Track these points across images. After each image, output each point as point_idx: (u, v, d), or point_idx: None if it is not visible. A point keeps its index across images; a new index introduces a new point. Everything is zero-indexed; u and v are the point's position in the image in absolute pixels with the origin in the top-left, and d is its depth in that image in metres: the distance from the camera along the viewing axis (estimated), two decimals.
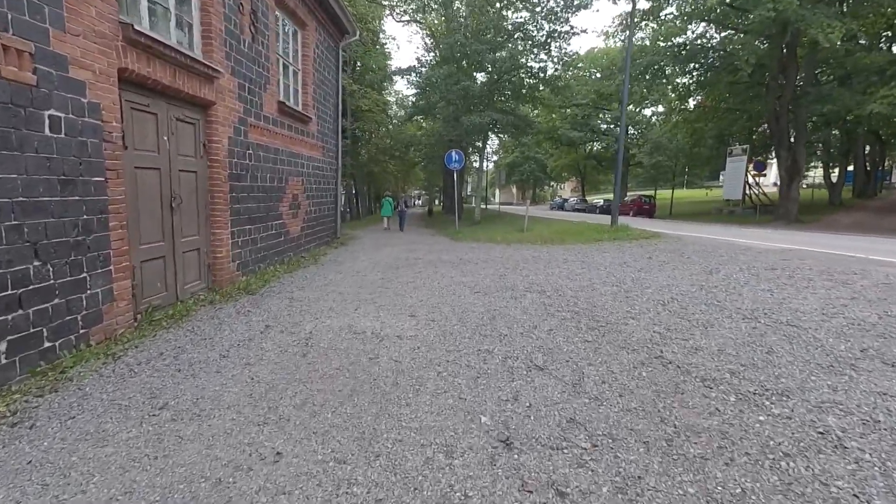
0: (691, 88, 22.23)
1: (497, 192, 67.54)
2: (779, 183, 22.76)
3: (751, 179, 29.55)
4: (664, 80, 20.19)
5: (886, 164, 36.83)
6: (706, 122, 26.43)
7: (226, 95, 6.34)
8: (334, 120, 11.61)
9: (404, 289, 6.15)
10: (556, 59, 17.37)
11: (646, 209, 30.09)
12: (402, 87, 62.99)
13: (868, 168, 32.44)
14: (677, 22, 17.06)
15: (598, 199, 38.75)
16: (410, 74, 18.92)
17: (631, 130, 36.93)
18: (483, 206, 42.18)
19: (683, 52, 17.78)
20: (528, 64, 18.35)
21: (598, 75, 37.78)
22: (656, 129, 32.19)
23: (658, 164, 31.07)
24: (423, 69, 19.33)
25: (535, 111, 35.70)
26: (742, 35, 15.26)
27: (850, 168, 31.74)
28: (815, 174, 34.96)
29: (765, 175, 27.52)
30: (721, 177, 52.97)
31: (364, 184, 40.71)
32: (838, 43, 13.24)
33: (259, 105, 7.37)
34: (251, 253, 7.27)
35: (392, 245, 11.98)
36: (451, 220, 25.61)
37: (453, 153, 14.57)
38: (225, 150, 6.38)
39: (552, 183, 63.28)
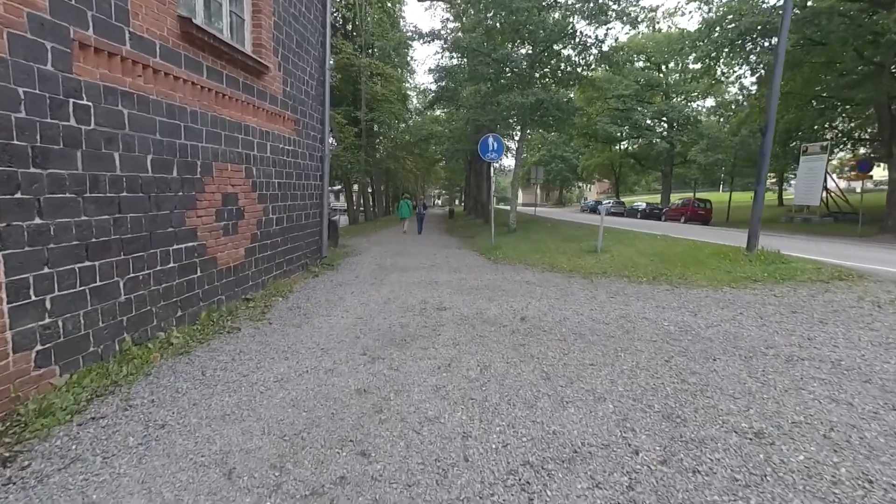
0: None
1: (520, 192, 62.80)
2: (889, 187, 18.02)
3: (830, 183, 24.74)
4: (767, 54, 15.41)
5: None
6: (783, 113, 21.75)
7: None
8: (319, 84, 7.66)
9: (415, 475, 2.14)
10: (624, 18, 13.00)
11: (700, 215, 25.50)
12: (423, 77, 58.88)
13: None
14: None
15: (638, 202, 33.97)
16: (432, 40, 14.82)
17: (673, 126, 32.16)
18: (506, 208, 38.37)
19: (802, 11, 13.11)
20: (583, 31, 14.10)
21: (641, 64, 33.12)
22: (712, 124, 27.52)
23: (716, 164, 26.33)
24: (448, 31, 15.25)
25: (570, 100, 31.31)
26: None
27: None
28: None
29: (871, 177, 22.73)
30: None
31: (382, 182, 36.84)
32: None
33: (119, 13, 3.45)
34: (100, 317, 3.36)
35: (402, 269, 7.98)
36: (476, 224, 21.55)
37: (490, 139, 10.46)
38: None
39: (580, 184, 58.51)
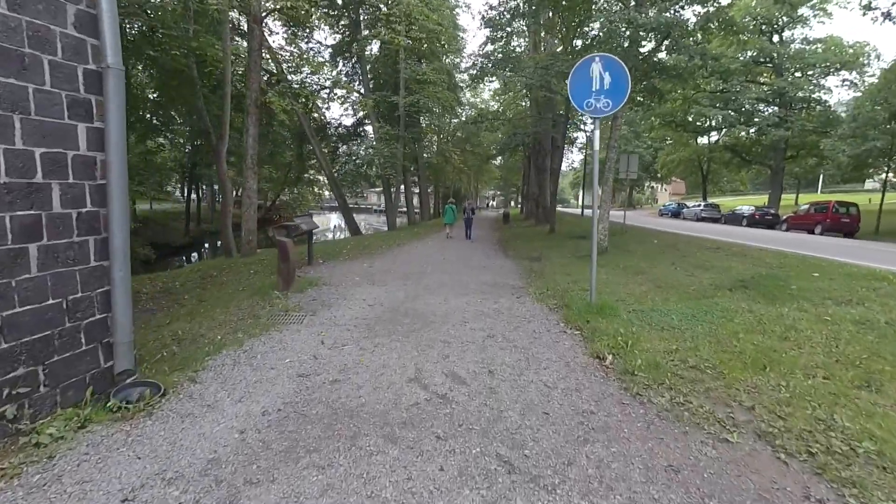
0: None
1: (581, 192, 54.69)
2: None
3: None
4: None
5: None
6: None
7: None
8: None
9: None
10: None
11: (845, 224, 17.82)
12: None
13: None
14: None
15: (742, 206, 25.97)
16: None
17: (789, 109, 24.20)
18: (566, 210, 31.91)
19: None
20: None
21: (746, 36, 25.42)
22: (861, 102, 19.76)
23: (869, 154, 18.45)
24: None
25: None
26: None
27: None
28: None
29: None
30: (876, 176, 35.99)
31: (429, 181, 31.69)
32: None
33: None
34: None
35: (352, 425, 2.60)
36: (539, 235, 15.60)
37: (593, 64, 4.47)
38: None
39: (653, 184, 50.23)
